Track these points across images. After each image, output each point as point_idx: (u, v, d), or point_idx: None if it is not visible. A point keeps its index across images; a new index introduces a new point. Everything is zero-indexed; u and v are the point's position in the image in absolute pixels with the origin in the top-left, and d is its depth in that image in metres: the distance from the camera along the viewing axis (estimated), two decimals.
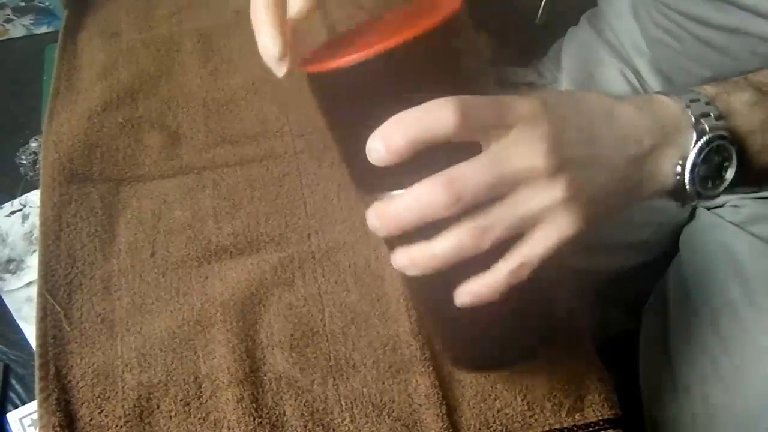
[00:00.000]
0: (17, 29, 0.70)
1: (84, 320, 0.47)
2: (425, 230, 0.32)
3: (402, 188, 0.32)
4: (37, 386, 0.44)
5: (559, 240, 0.33)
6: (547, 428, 0.44)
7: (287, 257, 0.50)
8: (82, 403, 0.44)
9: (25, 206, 0.58)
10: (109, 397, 0.44)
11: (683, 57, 0.63)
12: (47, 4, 0.69)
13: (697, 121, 0.36)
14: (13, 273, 0.55)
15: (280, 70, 0.36)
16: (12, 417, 0.48)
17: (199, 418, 0.43)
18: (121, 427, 0.43)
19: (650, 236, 0.70)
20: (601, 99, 0.36)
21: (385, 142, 0.31)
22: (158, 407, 0.44)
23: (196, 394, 0.44)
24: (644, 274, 0.72)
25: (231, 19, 0.66)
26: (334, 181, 0.54)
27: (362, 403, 0.44)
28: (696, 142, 0.36)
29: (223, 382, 0.45)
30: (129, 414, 0.43)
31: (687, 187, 0.36)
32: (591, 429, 0.44)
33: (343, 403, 0.44)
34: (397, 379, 0.45)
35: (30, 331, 0.51)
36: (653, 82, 0.69)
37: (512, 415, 0.44)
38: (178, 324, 0.47)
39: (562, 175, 0.32)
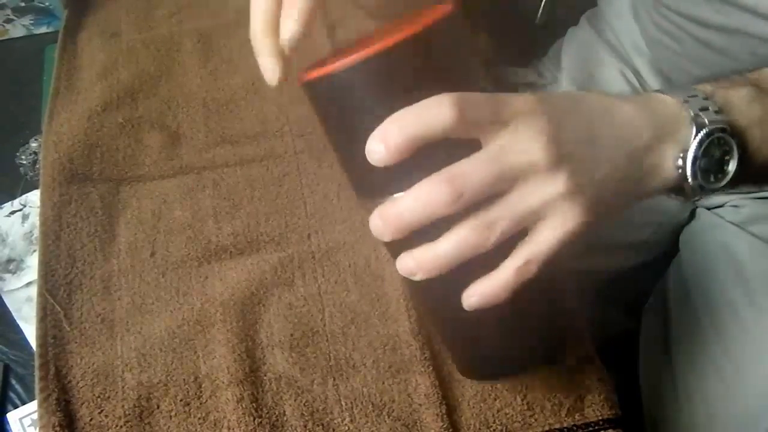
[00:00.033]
0: (17, 29, 0.70)
1: (84, 320, 0.47)
2: (428, 235, 0.32)
3: (403, 192, 0.32)
4: (37, 386, 0.44)
5: (564, 234, 0.33)
6: (547, 428, 0.44)
7: (287, 257, 0.50)
8: (82, 403, 0.44)
9: (25, 206, 0.58)
10: (109, 397, 0.44)
11: (683, 58, 0.63)
12: (47, 4, 0.69)
13: (696, 115, 0.36)
14: (13, 273, 0.55)
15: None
16: (12, 417, 0.48)
17: (199, 418, 0.43)
18: (121, 427, 0.43)
19: (650, 236, 0.70)
20: (598, 97, 0.36)
21: (385, 141, 0.31)
22: (158, 407, 0.44)
23: (196, 394, 0.44)
24: (644, 274, 0.72)
25: (231, 19, 0.66)
26: (334, 181, 0.54)
27: (362, 403, 0.44)
28: (696, 136, 0.36)
29: (223, 382, 0.45)
30: (129, 414, 0.43)
31: (689, 180, 0.36)
32: (591, 429, 0.44)
33: (343, 403, 0.44)
34: (397, 379, 0.45)
35: (30, 331, 0.51)
36: (653, 83, 0.69)
37: (512, 415, 0.44)
38: (178, 324, 0.47)
39: (563, 168, 0.32)
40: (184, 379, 0.45)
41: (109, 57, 0.62)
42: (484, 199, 0.32)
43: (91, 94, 0.59)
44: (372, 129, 0.31)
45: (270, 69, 0.37)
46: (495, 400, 0.45)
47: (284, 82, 0.38)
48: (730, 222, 0.63)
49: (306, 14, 0.36)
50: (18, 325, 0.52)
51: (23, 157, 0.61)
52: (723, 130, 0.36)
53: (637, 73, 0.69)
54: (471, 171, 0.31)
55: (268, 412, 0.44)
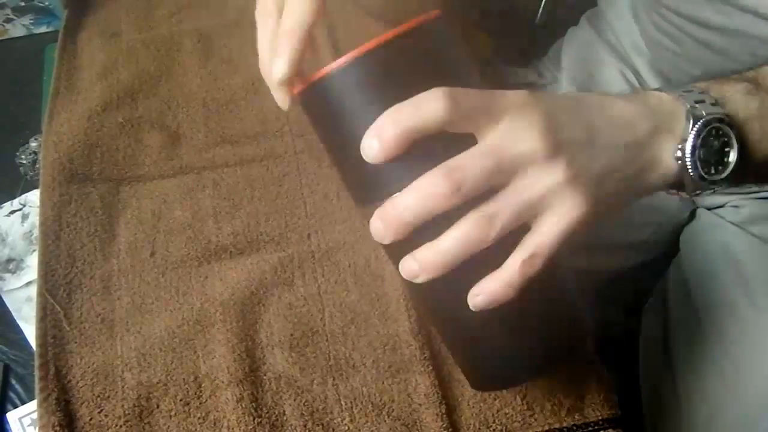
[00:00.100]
0: (17, 29, 0.70)
1: (84, 320, 0.47)
2: (429, 237, 0.32)
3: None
4: (36, 386, 0.44)
5: (568, 224, 0.33)
6: (546, 428, 0.44)
7: (287, 257, 0.50)
8: (82, 403, 0.44)
9: (24, 206, 0.58)
10: (108, 397, 0.44)
11: (683, 59, 0.63)
12: (47, 4, 0.69)
13: (692, 107, 0.36)
14: (13, 273, 0.55)
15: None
16: (12, 417, 0.48)
17: (199, 418, 0.43)
18: (121, 426, 0.43)
19: (650, 236, 0.70)
20: (593, 95, 0.37)
21: (379, 136, 0.31)
22: (158, 407, 0.44)
23: (195, 393, 0.44)
24: (644, 274, 0.72)
25: (231, 19, 0.66)
26: (334, 181, 0.54)
27: (362, 402, 0.44)
28: (693, 127, 0.36)
29: (222, 382, 0.45)
30: (129, 414, 0.43)
31: (690, 171, 0.36)
32: (591, 429, 0.44)
33: (343, 403, 0.44)
34: (397, 378, 0.45)
35: (30, 331, 0.51)
36: (653, 83, 0.68)
37: (512, 415, 0.44)
38: (178, 324, 0.47)
39: (561, 156, 0.32)
40: (183, 379, 0.45)
41: (109, 57, 0.62)
42: (483, 192, 0.31)
43: (91, 94, 0.59)
44: (364, 131, 0.32)
45: (280, 99, 0.38)
46: (495, 400, 0.45)
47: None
48: (730, 222, 0.63)
49: (295, 54, 0.36)
50: (18, 325, 0.52)
51: (23, 156, 0.61)
52: (720, 120, 0.36)
53: (637, 74, 0.69)
54: (469, 163, 0.31)
55: (267, 412, 0.44)
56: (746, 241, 0.61)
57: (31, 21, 0.70)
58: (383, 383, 0.45)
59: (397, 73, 0.33)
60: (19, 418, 0.48)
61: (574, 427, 0.44)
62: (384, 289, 0.49)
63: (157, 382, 0.45)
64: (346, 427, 0.43)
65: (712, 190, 0.37)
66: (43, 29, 0.71)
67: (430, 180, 0.31)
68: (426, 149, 0.31)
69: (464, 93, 0.31)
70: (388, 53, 0.32)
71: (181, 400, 0.44)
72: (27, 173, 0.60)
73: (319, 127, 0.36)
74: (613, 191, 0.35)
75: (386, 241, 0.33)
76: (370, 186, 0.34)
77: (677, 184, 0.37)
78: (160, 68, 0.62)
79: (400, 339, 0.47)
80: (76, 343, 0.46)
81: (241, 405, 0.43)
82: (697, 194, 0.38)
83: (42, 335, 0.46)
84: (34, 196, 0.58)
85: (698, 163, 0.36)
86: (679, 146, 0.36)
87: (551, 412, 0.44)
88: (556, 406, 0.45)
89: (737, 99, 0.38)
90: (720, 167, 0.37)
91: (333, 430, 0.43)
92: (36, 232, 0.52)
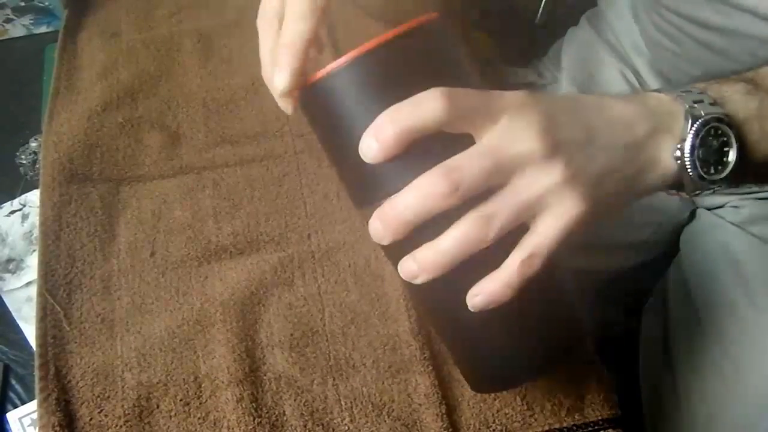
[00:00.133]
0: (17, 29, 0.70)
1: (84, 320, 0.47)
2: (428, 238, 0.32)
3: None
4: (36, 386, 0.44)
5: (566, 223, 0.33)
6: (546, 428, 0.44)
7: (287, 257, 0.50)
8: (82, 403, 0.44)
9: (24, 206, 0.58)
10: (108, 397, 0.44)
11: (683, 59, 0.63)
12: (47, 4, 0.69)
13: (691, 107, 0.36)
14: (13, 273, 0.55)
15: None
16: (12, 417, 0.48)
17: (199, 418, 0.43)
18: (121, 426, 0.43)
19: (650, 236, 0.70)
20: (591, 96, 0.37)
21: (378, 136, 0.31)
22: (158, 407, 0.44)
23: (195, 393, 0.44)
24: (644, 274, 0.72)
25: (231, 19, 0.66)
26: (334, 181, 0.54)
27: (362, 402, 0.44)
28: (692, 126, 0.36)
29: (222, 382, 0.45)
30: (129, 414, 0.43)
31: (689, 171, 0.36)
32: (591, 429, 0.44)
33: (343, 403, 0.44)
34: (397, 378, 0.45)
35: (30, 331, 0.51)
36: (653, 83, 0.69)
37: (512, 415, 0.44)
38: (178, 324, 0.47)
39: (559, 155, 0.32)
40: (183, 379, 0.45)
41: (109, 57, 0.62)
42: (481, 193, 0.32)
43: (91, 94, 0.59)
44: (363, 131, 0.32)
45: (283, 105, 0.38)
46: (495, 400, 0.45)
47: None
48: (730, 222, 0.63)
49: (295, 65, 0.36)
50: (18, 325, 0.52)
51: (23, 157, 0.61)
52: (719, 119, 0.36)
53: (636, 74, 0.69)
54: (467, 163, 0.31)
55: (267, 412, 0.44)
56: (746, 242, 0.61)
57: (31, 21, 0.70)
58: (383, 383, 0.45)
59: (396, 73, 0.33)
60: (19, 418, 0.48)
61: (574, 427, 0.44)
62: (384, 289, 0.49)
63: (157, 382, 0.45)
64: (346, 427, 0.44)
65: (711, 190, 0.37)
66: (43, 29, 0.71)
67: (428, 180, 0.31)
68: (424, 149, 0.31)
69: (463, 93, 0.31)
70: (388, 53, 0.32)
71: (181, 400, 0.44)
72: (27, 173, 0.60)
73: (317, 128, 0.36)
74: (612, 191, 0.35)
75: (385, 242, 0.33)
76: (368, 186, 0.34)
77: (677, 184, 0.37)
78: (160, 68, 0.62)
79: (400, 339, 0.47)
80: (76, 343, 0.46)
81: (241, 405, 0.43)
82: (697, 194, 0.38)
83: (42, 335, 0.46)
84: (34, 196, 0.58)
85: (697, 163, 0.36)
86: (678, 146, 0.36)
87: (551, 412, 0.44)
88: (556, 406, 0.45)
89: (736, 99, 0.38)
90: (719, 167, 0.37)
91: (333, 430, 0.43)
92: (36, 232, 0.52)
